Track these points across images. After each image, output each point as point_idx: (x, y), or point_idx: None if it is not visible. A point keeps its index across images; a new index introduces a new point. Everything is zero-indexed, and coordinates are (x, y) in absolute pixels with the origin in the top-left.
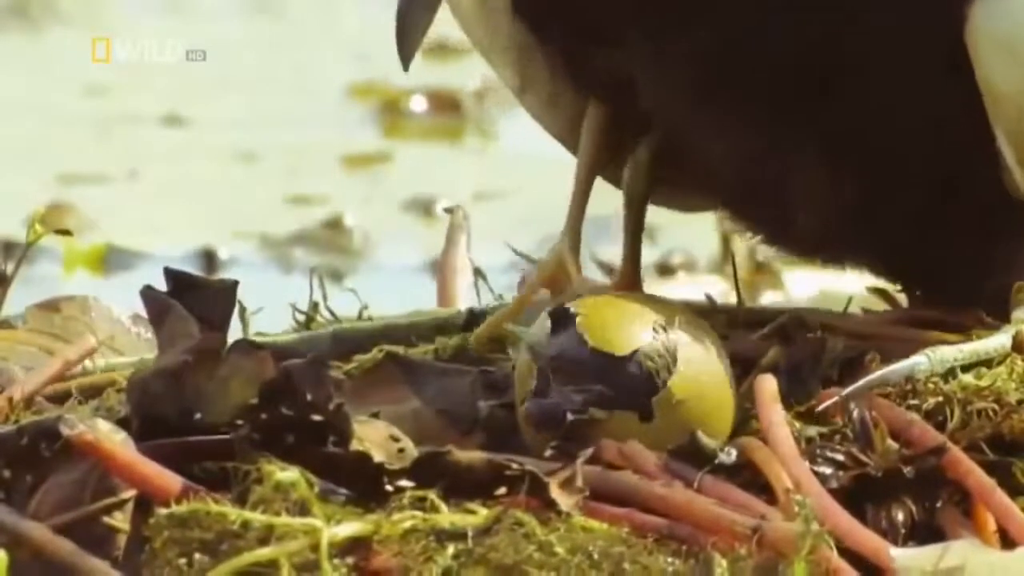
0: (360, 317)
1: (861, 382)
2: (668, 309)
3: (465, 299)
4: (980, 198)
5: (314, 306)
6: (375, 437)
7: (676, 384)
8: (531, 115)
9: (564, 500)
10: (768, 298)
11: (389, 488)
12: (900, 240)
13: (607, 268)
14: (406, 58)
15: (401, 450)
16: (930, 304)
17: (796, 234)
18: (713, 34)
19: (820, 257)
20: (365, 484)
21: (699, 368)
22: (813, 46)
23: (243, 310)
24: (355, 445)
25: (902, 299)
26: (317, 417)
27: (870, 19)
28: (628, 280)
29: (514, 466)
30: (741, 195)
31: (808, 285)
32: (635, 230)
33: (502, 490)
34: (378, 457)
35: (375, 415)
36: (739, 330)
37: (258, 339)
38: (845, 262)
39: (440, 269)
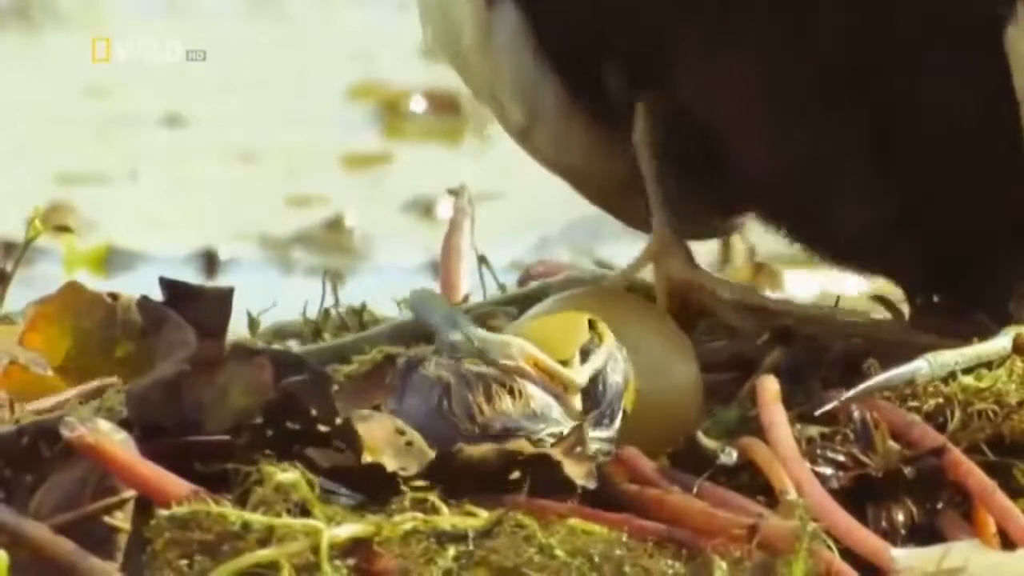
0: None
1: (860, 387)
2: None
3: (467, 285)
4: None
5: (325, 314)
6: (381, 433)
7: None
8: (538, 156)
9: (576, 472)
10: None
11: (405, 489)
12: (939, 243)
13: (606, 267)
14: None
15: (408, 443)
16: (933, 313)
17: (832, 231)
18: (761, 31)
19: (853, 259)
20: (378, 489)
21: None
22: (860, 42)
23: (252, 322)
24: (367, 456)
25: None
26: (324, 428)
27: (914, 17)
28: (663, 242)
29: (526, 451)
30: (778, 187)
31: (808, 286)
32: (658, 179)
33: (516, 474)
34: (391, 466)
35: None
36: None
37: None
38: (876, 267)
39: (443, 252)
